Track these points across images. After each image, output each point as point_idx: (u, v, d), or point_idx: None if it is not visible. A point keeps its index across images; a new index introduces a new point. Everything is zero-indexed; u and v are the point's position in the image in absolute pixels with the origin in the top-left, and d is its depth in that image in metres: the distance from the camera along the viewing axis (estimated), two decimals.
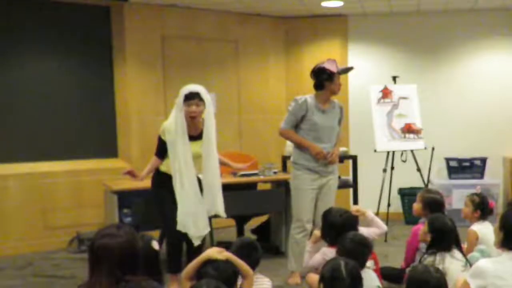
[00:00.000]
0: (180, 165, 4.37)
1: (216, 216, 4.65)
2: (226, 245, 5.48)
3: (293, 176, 4.90)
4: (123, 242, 2.27)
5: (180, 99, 4.38)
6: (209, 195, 4.51)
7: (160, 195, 4.56)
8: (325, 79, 4.73)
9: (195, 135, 4.48)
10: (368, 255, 3.35)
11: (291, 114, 4.77)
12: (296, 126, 4.80)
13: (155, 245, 2.70)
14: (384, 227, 4.11)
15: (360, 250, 3.24)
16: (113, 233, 2.29)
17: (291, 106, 4.80)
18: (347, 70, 4.93)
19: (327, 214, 3.84)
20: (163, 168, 4.55)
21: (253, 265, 3.27)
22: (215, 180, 4.54)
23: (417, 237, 4.07)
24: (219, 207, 4.55)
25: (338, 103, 4.94)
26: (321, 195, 4.85)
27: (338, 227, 3.64)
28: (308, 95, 4.78)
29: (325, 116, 4.78)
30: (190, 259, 4.35)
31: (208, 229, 4.53)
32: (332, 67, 4.71)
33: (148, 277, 2.34)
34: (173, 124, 4.40)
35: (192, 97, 4.37)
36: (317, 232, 3.95)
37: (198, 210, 4.43)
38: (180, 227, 4.41)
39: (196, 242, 4.47)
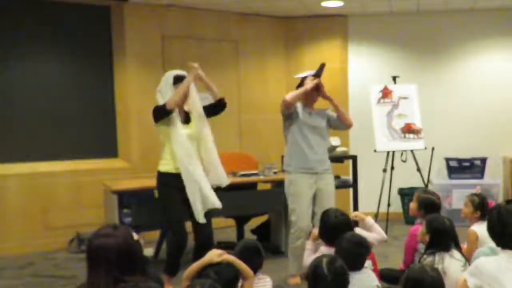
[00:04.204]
0: (183, 145, 4.39)
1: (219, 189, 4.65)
2: (226, 245, 5.51)
3: (288, 182, 4.90)
4: (120, 242, 2.27)
5: (168, 82, 4.44)
6: (212, 169, 4.57)
7: (168, 195, 4.50)
8: (297, 87, 4.93)
9: (182, 120, 4.50)
10: (366, 255, 3.35)
11: None
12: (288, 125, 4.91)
13: (134, 235, 2.65)
14: (384, 235, 4.10)
15: (357, 251, 3.24)
16: (109, 233, 2.29)
17: None
18: (320, 69, 4.86)
19: (324, 215, 3.87)
20: (163, 168, 4.51)
21: (256, 268, 3.27)
22: (212, 156, 4.59)
23: (415, 238, 4.06)
24: (224, 178, 4.63)
25: (322, 109, 4.99)
26: (318, 199, 4.86)
27: (333, 227, 3.66)
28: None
29: (310, 118, 4.87)
30: (196, 258, 4.37)
31: (219, 204, 4.50)
32: (303, 74, 4.92)
33: (145, 277, 2.34)
34: None
35: (180, 80, 4.44)
36: (315, 231, 3.96)
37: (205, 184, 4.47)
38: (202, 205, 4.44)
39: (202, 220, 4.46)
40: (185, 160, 4.39)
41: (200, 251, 4.47)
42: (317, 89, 4.83)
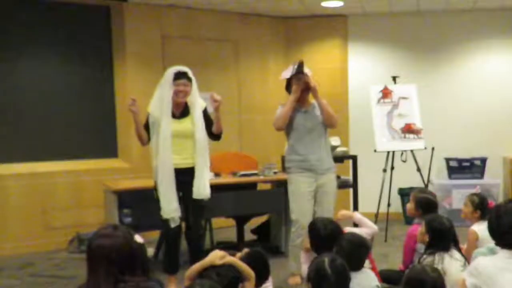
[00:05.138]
0: (158, 142, 4.43)
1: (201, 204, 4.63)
2: (226, 245, 5.51)
3: (288, 181, 4.93)
4: (120, 243, 2.27)
5: (167, 78, 4.46)
6: (199, 179, 4.54)
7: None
8: (286, 87, 4.92)
9: (177, 115, 4.53)
10: (366, 255, 3.35)
11: (278, 111, 4.89)
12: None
13: (138, 238, 2.66)
14: (374, 226, 4.10)
15: (357, 251, 3.24)
16: (110, 234, 2.29)
17: (278, 110, 4.90)
18: (298, 67, 4.75)
19: (312, 227, 3.76)
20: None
21: (261, 279, 3.25)
22: (205, 164, 4.58)
23: (413, 239, 4.06)
24: (206, 191, 4.58)
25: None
26: (319, 197, 4.86)
27: (323, 239, 3.58)
28: None
29: (306, 116, 4.85)
30: (192, 259, 4.39)
31: (179, 214, 4.50)
32: (286, 73, 4.85)
33: (145, 277, 2.34)
34: (158, 103, 4.48)
35: (181, 76, 4.47)
36: (307, 243, 3.87)
37: (169, 190, 4.45)
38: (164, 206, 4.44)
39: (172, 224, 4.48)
40: (160, 161, 4.43)
41: (190, 247, 4.55)
42: (306, 87, 4.78)
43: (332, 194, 4.91)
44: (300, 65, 4.75)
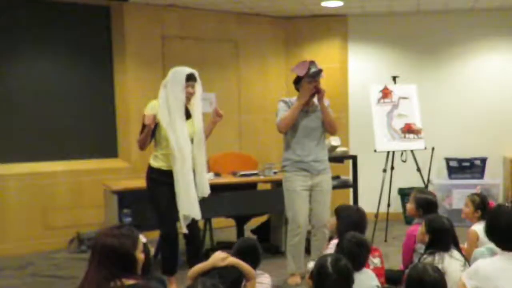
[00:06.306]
0: (179, 143, 4.37)
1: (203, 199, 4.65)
2: (226, 245, 5.50)
3: (284, 179, 4.93)
4: (123, 242, 2.28)
5: (179, 79, 4.40)
6: (201, 177, 4.56)
7: (156, 191, 4.51)
8: (294, 83, 4.89)
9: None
10: (366, 256, 3.36)
11: (282, 110, 4.87)
12: None
13: (142, 238, 2.67)
14: None
15: (357, 251, 3.25)
16: (114, 233, 2.31)
17: (279, 105, 4.90)
18: (314, 74, 4.72)
19: (340, 210, 3.95)
20: (155, 164, 4.51)
21: (253, 265, 3.29)
22: (204, 162, 4.61)
23: (413, 239, 4.07)
24: (207, 189, 4.61)
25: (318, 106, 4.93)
26: (314, 196, 4.86)
27: (355, 222, 3.77)
28: (294, 97, 4.88)
29: (307, 117, 4.84)
30: (191, 259, 4.38)
31: (199, 216, 4.50)
32: (300, 70, 4.77)
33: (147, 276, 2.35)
34: (165, 104, 4.41)
35: (193, 78, 4.47)
36: (332, 225, 4.03)
37: (191, 192, 4.44)
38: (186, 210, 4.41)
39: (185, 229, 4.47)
40: (180, 163, 4.38)
41: (190, 251, 4.55)
42: (315, 91, 4.77)
43: (327, 192, 4.91)
44: (319, 72, 4.72)
